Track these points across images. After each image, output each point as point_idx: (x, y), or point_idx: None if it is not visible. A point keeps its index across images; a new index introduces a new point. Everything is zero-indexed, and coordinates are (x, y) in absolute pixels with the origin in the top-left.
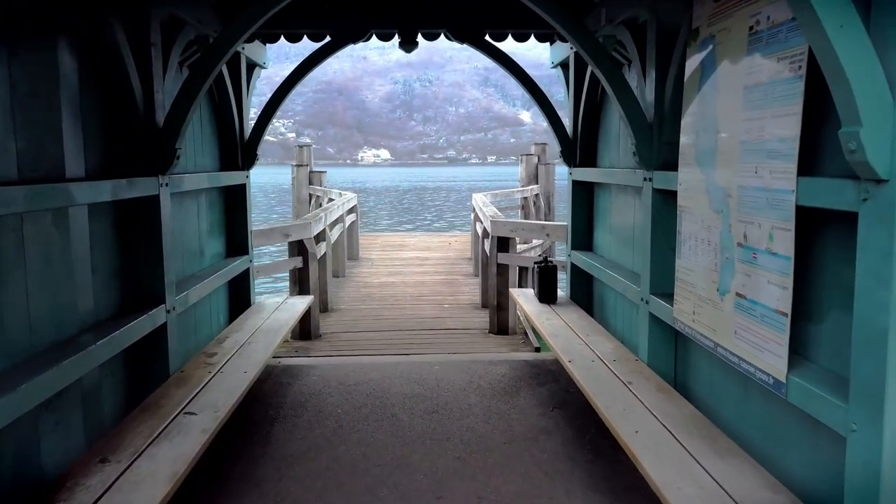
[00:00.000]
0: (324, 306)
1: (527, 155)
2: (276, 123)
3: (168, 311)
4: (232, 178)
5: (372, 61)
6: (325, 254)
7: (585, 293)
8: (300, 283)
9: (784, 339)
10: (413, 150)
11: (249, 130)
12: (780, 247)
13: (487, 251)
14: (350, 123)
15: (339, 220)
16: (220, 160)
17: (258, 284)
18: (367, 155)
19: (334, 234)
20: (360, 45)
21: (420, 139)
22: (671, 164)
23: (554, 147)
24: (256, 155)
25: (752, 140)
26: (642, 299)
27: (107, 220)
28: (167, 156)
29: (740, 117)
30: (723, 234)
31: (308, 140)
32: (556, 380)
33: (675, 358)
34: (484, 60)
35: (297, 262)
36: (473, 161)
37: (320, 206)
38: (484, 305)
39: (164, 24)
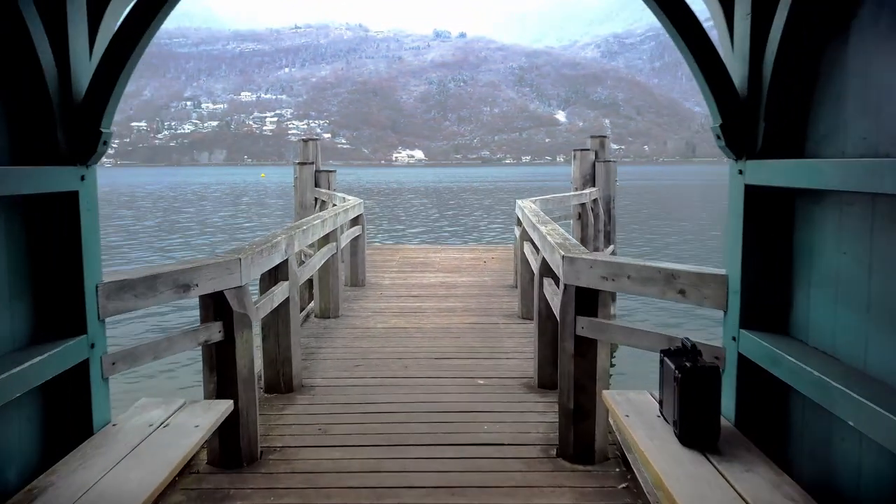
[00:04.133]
0: (286, 385)
1: (581, 150)
2: (312, 124)
3: None
4: (39, 179)
5: (407, 61)
6: (286, 300)
7: (772, 419)
8: (219, 371)
9: None
10: (447, 151)
11: (86, 86)
12: None
13: (554, 306)
14: (385, 124)
15: (331, 237)
16: (11, 143)
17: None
18: (402, 155)
19: (319, 260)
20: (395, 45)
21: (454, 139)
22: None
23: (609, 143)
24: (101, 133)
25: None
26: None
27: None
28: None
29: None
30: None
31: (344, 141)
32: None
33: None
34: (519, 60)
35: (212, 331)
36: (507, 161)
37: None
38: (542, 385)
39: None
